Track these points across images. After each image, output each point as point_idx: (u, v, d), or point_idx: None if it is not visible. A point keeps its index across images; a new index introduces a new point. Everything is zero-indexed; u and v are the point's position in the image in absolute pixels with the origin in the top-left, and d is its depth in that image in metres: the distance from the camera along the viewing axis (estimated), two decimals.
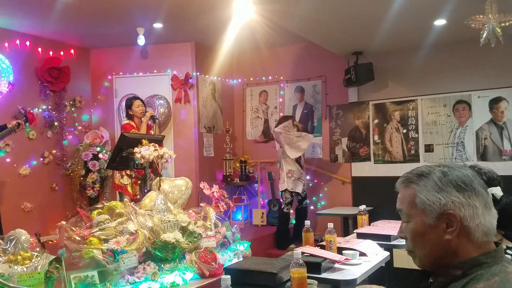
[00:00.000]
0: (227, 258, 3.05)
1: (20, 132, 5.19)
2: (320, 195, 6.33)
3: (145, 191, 3.59)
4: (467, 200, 1.13)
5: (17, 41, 5.30)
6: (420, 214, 1.17)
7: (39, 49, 5.54)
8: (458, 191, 1.14)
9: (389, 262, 3.04)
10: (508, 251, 1.81)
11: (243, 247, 3.34)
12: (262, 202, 6.56)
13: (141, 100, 5.12)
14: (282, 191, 5.67)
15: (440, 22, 4.73)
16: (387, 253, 2.78)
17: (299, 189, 5.62)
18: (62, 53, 5.79)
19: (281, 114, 6.69)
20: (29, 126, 5.00)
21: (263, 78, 6.81)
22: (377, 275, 2.63)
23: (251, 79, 6.90)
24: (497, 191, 1.81)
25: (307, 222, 2.84)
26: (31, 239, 2.46)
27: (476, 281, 1.09)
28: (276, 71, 6.71)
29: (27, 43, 5.41)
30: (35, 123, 4.89)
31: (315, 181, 6.38)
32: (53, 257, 2.35)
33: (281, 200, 5.74)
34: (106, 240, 2.61)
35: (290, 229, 5.84)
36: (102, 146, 5.79)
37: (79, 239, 2.58)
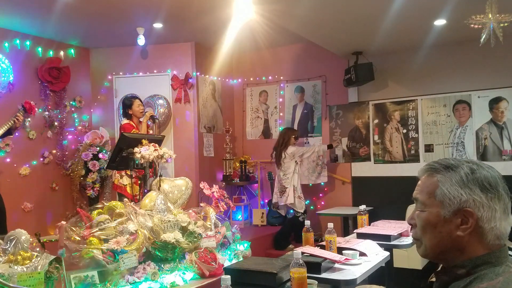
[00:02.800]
0: (227, 258, 3.06)
1: (20, 132, 5.20)
2: (320, 195, 6.33)
3: (145, 191, 3.60)
4: (488, 202, 1.12)
5: (17, 41, 5.30)
6: (437, 205, 1.16)
7: (39, 49, 5.54)
8: (482, 191, 1.13)
9: (389, 262, 3.04)
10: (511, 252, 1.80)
11: (243, 247, 3.34)
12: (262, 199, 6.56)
13: (140, 100, 5.12)
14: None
15: (440, 22, 4.73)
16: (387, 253, 2.78)
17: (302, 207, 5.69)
18: (62, 53, 5.79)
19: (281, 114, 6.70)
20: (28, 115, 4.92)
21: (263, 78, 6.81)
22: (377, 275, 2.63)
23: (251, 79, 6.90)
24: None
25: (307, 222, 2.84)
26: (31, 239, 2.46)
27: (479, 280, 1.09)
28: (276, 71, 6.71)
29: (27, 43, 5.41)
30: (34, 112, 4.77)
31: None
32: (53, 257, 2.35)
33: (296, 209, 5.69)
34: (106, 240, 2.61)
35: None
36: (102, 146, 5.79)
37: (79, 239, 2.59)
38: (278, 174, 5.82)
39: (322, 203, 6.31)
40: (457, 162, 1.18)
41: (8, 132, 4.39)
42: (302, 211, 5.64)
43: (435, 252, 1.19)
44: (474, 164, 1.18)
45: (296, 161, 5.71)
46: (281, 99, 6.73)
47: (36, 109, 5.06)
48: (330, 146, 5.96)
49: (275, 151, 5.81)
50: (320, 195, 6.33)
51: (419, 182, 1.24)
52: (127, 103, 5.00)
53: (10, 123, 4.35)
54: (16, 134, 5.17)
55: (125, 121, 4.97)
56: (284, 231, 5.73)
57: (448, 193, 1.15)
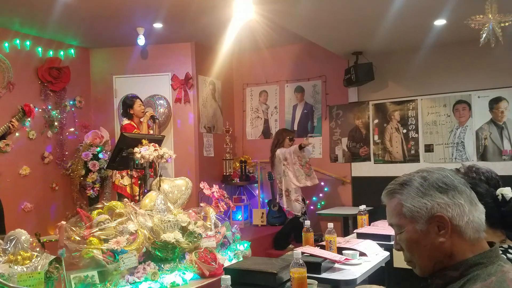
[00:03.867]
0: (227, 258, 3.06)
1: (20, 132, 5.19)
2: (320, 195, 6.33)
3: (145, 191, 3.59)
4: (451, 200, 1.14)
5: (17, 41, 5.30)
6: (410, 222, 1.18)
7: (39, 49, 5.54)
8: (441, 192, 1.15)
9: (389, 262, 3.04)
10: (510, 250, 1.80)
11: (243, 247, 3.34)
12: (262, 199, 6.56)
13: (141, 100, 5.11)
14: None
15: (440, 22, 4.73)
16: (387, 253, 2.78)
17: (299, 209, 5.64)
18: (62, 53, 5.79)
19: (281, 114, 6.69)
20: (27, 119, 4.88)
21: (263, 78, 6.81)
22: (377, 275, 2.63)
23: (251, 79, 6.90)
24: (508, 191, 1.79)
25: (307, 222, 2.85)
26: (31, 239, 2.46)
27: (473, 281, 1.10)
28: (276, 71, 6.71)
29: (27, 43, 5.41)
30: (33, 115, 4.69)
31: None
32: (53, 257, 2.35)
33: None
34: (106, 240, 2.61)
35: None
36: (102, 146, 5.79)
37: (79, 239, 2.58)
38: (275, 175, 5.84)
39: (322, 203, 6.31)
40: (408, 177, 1.22)
41: (2, 137, 4.29)
42: (299, 213, 5.60)
43: (429, 267, 1.19)
44: (424, 171, 1.21)
45: (283, 163, 5.64)
46: (281, 99, 6.73)
47: (35, 111, 4.95)
48: (300, 147, 5.60)
49: (270, 151, 5.81)
50: (320, 195, 6.33)
51: (386, 208, 1.26)
52: (128, 103, 4.97)
53: (4, 128, 4.28)
54: (16, 134, 5.17)
55: (125, 121, 4.95)
56: (284, 231, 5.73)
57: (413, 207, 1.17)
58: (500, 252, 1.23)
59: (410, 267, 1.28)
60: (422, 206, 1.16)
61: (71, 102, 5.90)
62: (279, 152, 5.67)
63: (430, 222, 1.15)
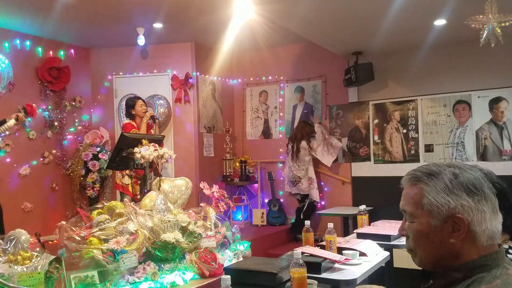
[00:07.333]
0: (227, 258, 3.06)
1: (20, 132, 5.21)
2: (320, 195, 6.32)
3: (145, 191, 3.59)
4: (476, 205, 1.11)
5: (17, 41, 5.30)
6: (426, 215, 1.14)
7: (39, 49, 5.54)
8: (468, 195, 1.11)
9: (389, 262, 3.04)
10: (510, 250, 1.80)
11: (243, 247, 3.34)
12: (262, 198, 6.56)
13: (142, 100, 5.13)
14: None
15: (440, 22, 4.73)
16: (387, 253, 2.78)
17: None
18: (62, 53, 5.79)
19: (281, 114, 6.69)
20: (28, 118, 4.94)
21: (263, 78, 6.81)
22: (377, 275, 2.63)
23: (251, 79, 6.90)
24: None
25: (307, 222, 2.85)
26: (31, 239, 2.46)
27: (477, 283, 1.08)
28: (276, 71, 6.71)
29: (27, 43, 5.41)
30: (35, 115, 4.82)
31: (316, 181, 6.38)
32: (53, 257, 2.35)
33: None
34: (106, 240, 2.61)
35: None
36: (102, 146, 5.79)
37: (79, 239, 2.58)
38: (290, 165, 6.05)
39: (322, 203, 6.30)
40: (438, 168, 1.16)
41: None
42: (318, 200, 6.05)
43: (431, 262, 1.17)
44: (455, 168, 1.15)
45: (309, 152, 5.98)
46: (281, 99, 6.73)
47: (37, 111, 5.06)
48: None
49: (292, 142, 6.04)
50: (320, 195, 6.33)
51: (404, 192, 1.22)
52: (130, 103, 5.04)
53: (14, 121, 4.42)
54: (16, 134, 5.19)
55: (126, 120, 4.98)
56: (304, 215, 5.91)
57: (435, 202, 1.12)
58: None
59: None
60: (445, 203, 1.11)
61: (71, 102, 5.91)
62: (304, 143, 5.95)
63: (447, 221, 1.11)
